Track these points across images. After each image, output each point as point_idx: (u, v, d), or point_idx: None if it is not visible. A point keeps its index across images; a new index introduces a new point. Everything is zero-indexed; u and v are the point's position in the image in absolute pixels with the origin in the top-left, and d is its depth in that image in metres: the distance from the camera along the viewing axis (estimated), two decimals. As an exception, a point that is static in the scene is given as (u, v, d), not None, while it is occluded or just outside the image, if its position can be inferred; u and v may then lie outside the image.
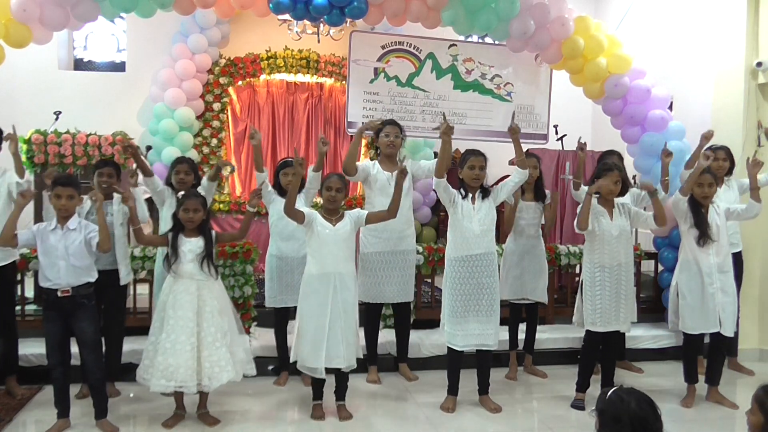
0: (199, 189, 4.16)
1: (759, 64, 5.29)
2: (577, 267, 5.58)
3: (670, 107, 5.64)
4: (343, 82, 7.66)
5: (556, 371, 4.94)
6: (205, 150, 7.66)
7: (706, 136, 4.85)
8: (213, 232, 3.88)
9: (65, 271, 3.57)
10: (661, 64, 6.42)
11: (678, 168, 5.27)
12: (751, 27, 5.35)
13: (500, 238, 4.94)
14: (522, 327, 4.91)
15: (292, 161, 4.60)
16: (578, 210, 4.17)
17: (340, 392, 4.03)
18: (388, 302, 4.71)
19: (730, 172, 4.84)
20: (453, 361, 4.17)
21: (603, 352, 4.27)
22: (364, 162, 4.64)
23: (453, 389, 4.19)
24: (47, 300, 3.62)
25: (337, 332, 3.81)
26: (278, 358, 4.66)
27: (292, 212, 3.82)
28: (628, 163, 5.55)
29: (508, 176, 4.27)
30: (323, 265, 3.84)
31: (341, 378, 3.99)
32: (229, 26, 7.65)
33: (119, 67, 8.13)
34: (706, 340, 4.46)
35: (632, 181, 5.20)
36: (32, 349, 4.41)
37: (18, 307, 4.75)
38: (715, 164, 4.68)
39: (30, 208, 4.96)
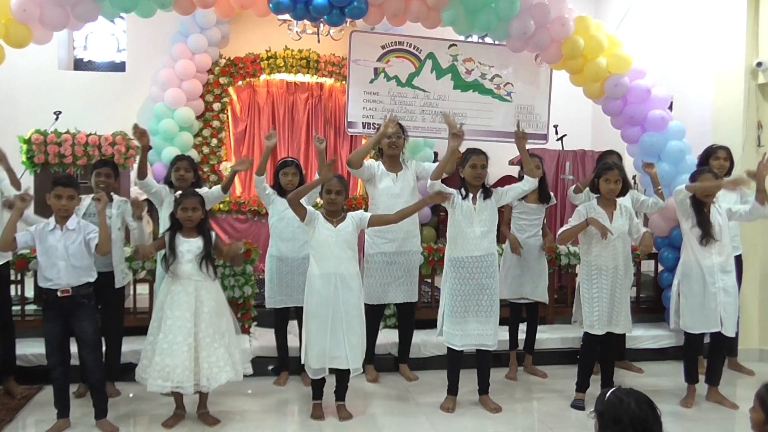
0: (204, 193, 4.12)
1: (759, 64, 5.29)
2: (577, 267, 5.58)
3: (670, 107, 5.64)
4: (343, 82, 7.66)
5: (556, 371, 4.93)
6: (205, 150, 7.67)
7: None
8: (213, 234, 3.88)
9: (65, 271, 3.57)
10: (661, 64, 6.42)
11: (678, 168, 5.28)
12: (751, 27, 5.35)
13: (500, 238, 4.93)
14: (522, 327, 4.91)
15: (292, 161, 4.63)
16: (569, 221, 4.18)
17: (340, 392, 4.03)
18: (392, 303, 4.70)
19: (729, 172, 4.84)
20: (452, 361, 4.17)
21: (602, 353, 4.26)
22: (369, 161, 4.63)
23: (453, 389, 4.19)
24: (47, 300, 3.61)
25: (338, 333, 3.80)
26: (278, 358, 4.66)
27: (296, 204, 3.81)
28: (628, 163, 5.56)
29: (508, 176, 4.28)
30: (324, 265, 3.84)
31: (341, 378, 3.98)
32: (229, 26, 7.65)
33: (119, 67, 8.13)
34: (707, 340, 4.46)
35: (632, 181, 5.21)
36: (32, 349, 4.41)
37: (18, 307, 4.75)
38: (716, 163, 4.68)
39: (29, 209, 4.94)
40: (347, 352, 3.81)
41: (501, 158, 6.45)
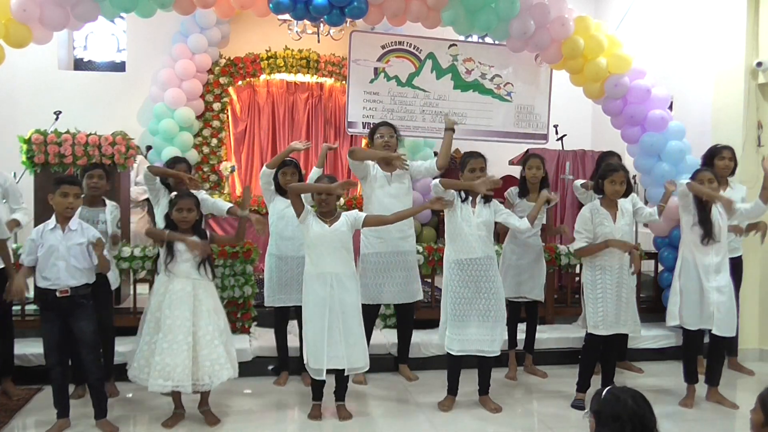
0: (203, 198, 4.12)
1: (759, 64, 5.29)
2: (577, 267, 5.58)
3: (670, 107, 5.64)
4: (343, 82, 7.66)
5: (556, 371, 4.94)
6: (205, 150, 7.67)
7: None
8: (207, 233, 3.88)
9: (65, 271, 3.57)
10: (661, 64, 6.42)
11: (678, 168, 5.28)
12: (751, 27, 5.35)
13: (499, 237, 4.94)
14: (521, 327, 4.90)
15: (291, 161, 4.63)
16: (577, 227, 4.17)
17: (340, 392, 4.03)
18: (388, 303, 4.70)
19: (733, 172, 4.83)
20: (452, 365, 4.16)
21: (604, 353, 4.26)
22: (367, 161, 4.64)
23: (452, 390, 4.19)
24: (45, 300, 3.61)
25: (335, 333, 3.81)
26: (278, 358, 4.66)
27: (296, 196, 3.83)
28: (628, 163, 5.56)
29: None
30: (320, 265, 3.84)
31: (341, 378, 3.98)
32: (229, 26, 7.65)
33: (119, 67, 8.13)
34: (706, 340, 4.46)
35: (632, 181, 5.20)
36: (32, 349, 4.41)
37: (18, 307, 4.75)
38: (721, 163, 4.67)
39: (30, 208, 4.95)
40: (345, 351, 3.81)
41: (501, 158, 6.45)
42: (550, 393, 4.57)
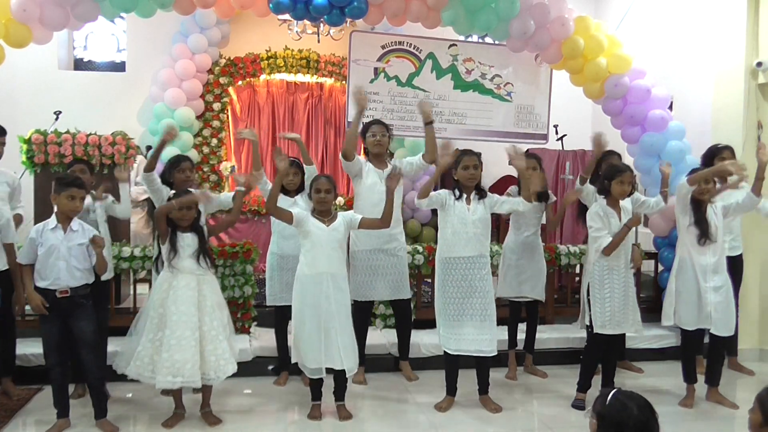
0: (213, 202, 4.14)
1: (759, 64, 5.29)
2: (577, 267, 5.58)
3: (670, 107, 5.64)
4: (343, 82, 7.67)
5: (556, 371, 4.93)
6: (205, 150, 7.68)
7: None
8: (205, 228, 3.89)
9: (65, 272, 3.57)
10: (661, 64, 6.42)
11: (678, 168, 5.27)
12: (751, 27, 5.35)
13: (499, 237, 4.94)
14: (522, 327, 4.90)
15: (293, 161, 4.63)
16: (592, 226, 4.14)
17: (340, 392, 4.03)
18: (380, 300, 4.69)
19: None
20: (449, 364, 4.16)
21: (605, 353, 4.25)
22: (360, 156, 4.63)
23: (451, 390, 4.19)
24: (45, 301, 3.60)
25: (331, 333, 3.81)
26: (278, 358, 4.66)
27: (275, 210, 3.85)
28: (628, 163, 5.55)
29: (508, 176, 4.26)
30: (316, 265, 3.84)
31: (340, 378, 3.98)
32: (229, 26, 7.66)
33: (119, 67, 8.13)
34: (706, 340, 4.46)
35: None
36: (32, 349, 4.41)
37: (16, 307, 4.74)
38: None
39: (30, 208, 4.95)
40: (341, 352, 3.81)
41: (501, 158, 6.39)
42: (550, 393, 4.57)
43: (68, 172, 4.03)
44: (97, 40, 8.21)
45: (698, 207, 4.18)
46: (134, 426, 3.91)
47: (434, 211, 7.79)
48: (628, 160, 5.71)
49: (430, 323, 5.00)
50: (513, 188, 4.87)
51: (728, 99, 5.49)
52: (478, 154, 4.16)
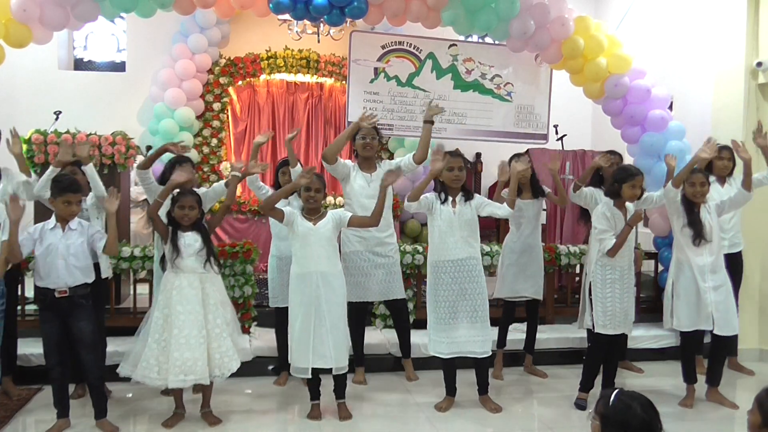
0: (203, 192, 4.11)
1: (759, 64, 5.28)
2: (577, 267, 5.58)
3: (670, 107, 5.64)
4: (343, 82, 7.67)
5: (556, 371, 4.93)
6: (205, 150, 7.68)
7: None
8: (206, 227, 3.88)
9: (64, 271, 3.57)
10: (661, 64, 6.42)
11: (678, 167, 5.26)
12: (751, 27, 5.35)
13: (499, 237, 4.93)
14: (514, 327, 4.88)
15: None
16: (596, 226, 4.14)
17: (340, 391, 4.02)
18: (374, 300, 4.68)
19: (731, 172, 4.82)
20: (446, 367, 4.14)
21: (607, 354, 4.24)
22: (346, 160, 4.62)
23: (450, 391, 4.18)
24: (44, 301, 3.61)
25: (321, 332, 3.81)
26: (278, 358, 4.66)
27: (270, 209, 3.84)
28: (629, 163, 5.55)
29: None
30: (305, 264, 3.84)
31: (339, 376, 3.97)
32: (229, 26, 7.66)
33: (119, 67, 8.14)
34: (707, 340, 4.46)
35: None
36: (32, 349, 4.41)
37: (18, 307, 4.74)
38: (720, 164, 4.66)
39: (30, 208, 4.95)
40: (333, 351, 3.81)
41: (501, 158, 6.43)
42: (550, 393, 4.57)
43: (64, 173, 4.02)
44: (97, 40, 8.22)
45: (691, 208, 4.18)
46: (134, 426, 3.91)
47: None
48: (628, 160, 5.71)
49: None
50: (506, 191, 4.86)
51: (728, 99, 5.49)
52: (464, 157, 4.14)
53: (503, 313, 4.81)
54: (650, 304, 5.73)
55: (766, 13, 5.29)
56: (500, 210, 4.09)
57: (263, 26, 7.45)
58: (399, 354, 4.84)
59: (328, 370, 3.87)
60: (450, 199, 4.05)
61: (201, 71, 7.52)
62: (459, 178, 4.04)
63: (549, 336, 5.23)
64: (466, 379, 4.21)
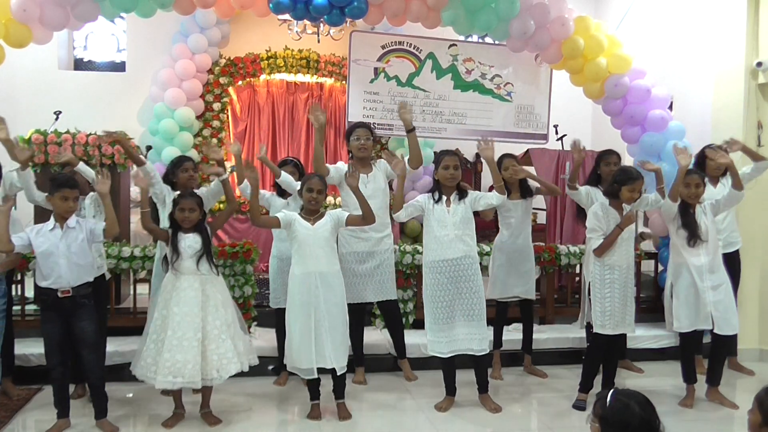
0: (203, 192, 4.11)
1: (759, 64, 5.28)
2: (577, 267, 5.58)
3: (670, 107, 5.64)
4: (343, 82, 7.67)
5: (556, 371, 4.93)
6: (205, 150, 7.66)
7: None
8: (208, 229, 3.88)
9: (66, 270, 3.57)
10: (661, 64, 6.42)
11: (678, 167, 5.27)
12: (751, 27, 5.35)
13: (490, 236, 4.93)
14: (508, 327, 4.87)
15: (291, 160, 4.64)
16: (590, 225, 4.13)
17: (339, 390, 4.02)
18: (370, 301, 4.68)
19: (725, 172, 4.81)
20: (445, 366, 4.14)
21: (607, 354, 4.24)
22: (339, 164, 4.61)
23: (450, 391, 4.18)
24: (46, 301, 3.61)
25: (322, 332, 3.81)
26: (278, 358, 4.66)
27: (260, 220, 3.89)
28: (629, 163, 5.55)
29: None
30: (304, 264, 3.84)
31: (338, 377, 3.96)
32: (229, 26, 7.66)
33: (119, 67, 8.14)
34: (706, 340, 4.46)
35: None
36: (32, 349, 4.41)
37: (18, 307, 4.75)
38: (713, 164, 4.66)
39: (30, 209, 4.95)
40: (332, 351, 3.81)
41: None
42: (550, 393, 4.57)
43: (62, 173, 4.02)
44: (97, 40, 8.22)
45: (686, 210, 4.18)
46: (134, 426, 3.91)
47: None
48: (628, 160, 5.71)
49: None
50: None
51: (728, 99, 5.49)
52: (459, 155, 4.13)
53: (496, 313, 4.79)
54: (650, 304, 5.73)
55: (766, 13, 5.29)
56: (493, 199, 4.09)
57: (263, 26, 7.45)
58: (396, 353, 4.84)
59: (328, 370, 3.87)
60: (444, 198, 4.05)
61: (201, 71, 7.51)
62: (454, 176, 4.03)
63: (549, 336, 5.23)
64: (465, 378, 4.20)
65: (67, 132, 5.39)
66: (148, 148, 7.23)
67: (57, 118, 6.23)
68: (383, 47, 5.81)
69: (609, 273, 4.12)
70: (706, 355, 4.51)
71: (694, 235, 4.14)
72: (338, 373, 3.90)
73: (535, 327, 5.20)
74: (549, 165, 6.28)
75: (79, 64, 8.16)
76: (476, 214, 4.19)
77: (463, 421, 3.99)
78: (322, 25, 6.83)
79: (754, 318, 5.38)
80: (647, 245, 5.96)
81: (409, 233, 7.85)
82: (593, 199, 4.46)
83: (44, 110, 6.46)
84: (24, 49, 4.76)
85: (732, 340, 4.69)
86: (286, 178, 4.42)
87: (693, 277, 4.18)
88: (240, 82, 7.90)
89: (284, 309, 4.51)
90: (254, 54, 7.80)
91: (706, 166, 4.71)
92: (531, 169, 4.91)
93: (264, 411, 4.14)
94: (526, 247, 4.74)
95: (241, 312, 4.92)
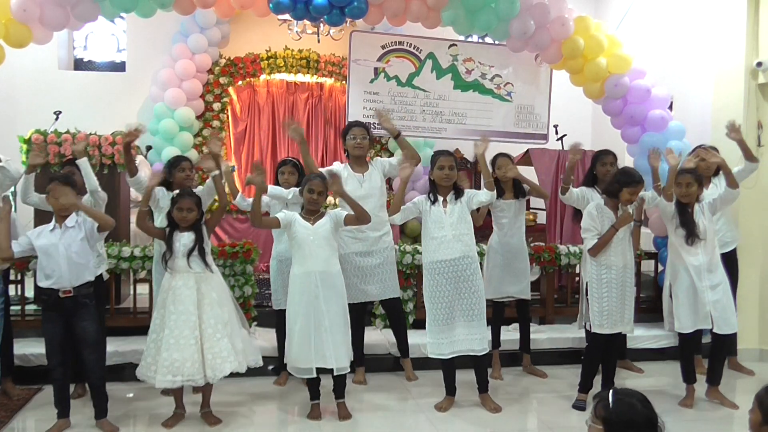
0: (200, 191, 4.11)
1: (759, 64, 5.28)
2: (577, 267, 5.58)
3: (670, 107, 5.64)
4: (343, 82, 7.66)
5: (556, 371, 4.93)
6: (205, 150, 7.65)
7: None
8: (204, 227, 3.87)
9: (67, 269, 3.57)
10: (661, 64, 6.42)
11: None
12: (751, 27, 5.34)
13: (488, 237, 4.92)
14: (508, 327, 4.87)
15: (290, 161, 4.63)
16: (585, 225, 4.13)
17: (339, 390, 4.02)
18: (372, 300, 4.68)
19: (717, 171, 4.78)
20: (445, 367, 4.14)
21: (605, 354, 4.24)
22: (335, 165, 4.61)
23: (450, 391, 4.18)
24: (47, 301, 3.61)
25: (322, 332, 3.81)
26: (278, 358, 4.66)
27: (260, 224, 3.89)
28: (629, 163, 5.56)
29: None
30: (304, 264, 3.85)
31: (339, 377, 3.96)
32: (229, 26, 7.65)
33: (119, 67, 8.13)
34: (706, 340, 4.46)
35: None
36: (32, 349, 4.41)
37: (18, 307, 4.75)
38: (703, 164, 4.64)
39: (30, 209, 4.95)
40: (333, 350, 3.81)
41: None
42: (550, 393, 4.57)
43: (60, 173, 4.02)
44: (97, 40, 8.21)
45: (683, 209, 4.18)
46: (134, 426, 3.91)
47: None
48: (628, 160, 5.72)
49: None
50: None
51: (728, 99, 5.49)
52: (455, 156, 4.13)
53: (492, 313, 4.78)
54: (650, 304, 5.73)
55: (766, 13, 5.29)
56: (483, 195, 4.08)
57: (263, 26, 7.44)
58: (399, 354, 4.83)
59: (329, 370, 3.86)
60: (441, 198, 4.04)
61: (201, 71, 7.51)
62: (449, 177, 4.03)
63: (549, 336, 5.23)
64: (465, 379, 4.20)
65: (67, 132, 5.38)
66: (148, 148, 7.23)
67: (57, 118, 6.23)
68: (383, 47, 5.81)
69: (606, 273, 4.12)
70: (706, 355, 4.51)
71: (692, 234, 4.14)
72: (338, 373, 3.89)
73: (535, 327, 5.21)
74: (549, 165, 6.28)
75: (79, 64, 8.16)
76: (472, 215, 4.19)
77: (463, 421, 3.99)
78: (322, 25, 6.82)
79: (753, 318, 5.38)
80: (647, 245, 5.95)
81: (409, 233, 7.84)
82: (588, 199, 4.46)
83: (44, 110, 6.46)
84: (24, 49, 4.76)
85: (732, 339, 4.69)
86: (274, 191, 4.40)
87: (691, 278, 4.19)
88: (240, 82, 7.89)
89: (284, 309, 4.54)
90: (254, 54, 7.79)
91: (697, 167, 4.70)
92: (527, 170, 4.89)
93: (264, 411, 4.14)
94: (519, 247, 4.73)
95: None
